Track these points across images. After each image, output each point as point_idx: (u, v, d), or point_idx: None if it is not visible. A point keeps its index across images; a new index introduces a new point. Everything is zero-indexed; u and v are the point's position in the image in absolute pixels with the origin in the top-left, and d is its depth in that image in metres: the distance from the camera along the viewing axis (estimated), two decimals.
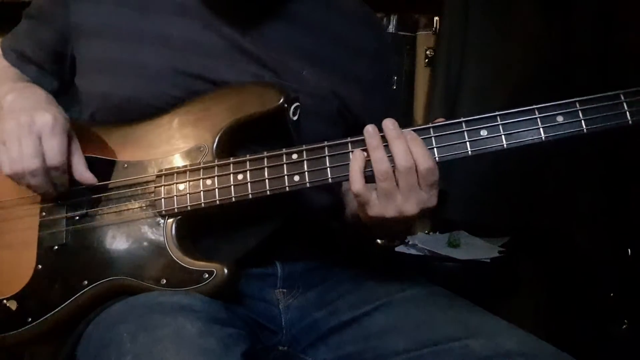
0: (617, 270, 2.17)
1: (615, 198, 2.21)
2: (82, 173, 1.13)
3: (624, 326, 2.10)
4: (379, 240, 1.76)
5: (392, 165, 1.00)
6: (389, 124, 1.02)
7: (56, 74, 1.31)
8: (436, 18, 2.48)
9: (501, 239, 2.33)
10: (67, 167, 1.12)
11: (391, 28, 2.47)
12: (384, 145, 1.01)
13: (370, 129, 1.02)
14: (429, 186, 1.00)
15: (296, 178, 1.06)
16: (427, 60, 2.51)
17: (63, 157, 1.10)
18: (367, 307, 1.15)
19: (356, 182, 1.01)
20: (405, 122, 1.05)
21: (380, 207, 1.01)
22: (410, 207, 1.00)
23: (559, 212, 2.27)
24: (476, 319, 1.08)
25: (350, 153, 1.04)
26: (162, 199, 1.11)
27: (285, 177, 1.06)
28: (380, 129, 1.03)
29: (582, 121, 1.00)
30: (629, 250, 2.16)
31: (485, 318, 1.09)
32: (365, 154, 1.02)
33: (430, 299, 1.14)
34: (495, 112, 1.02)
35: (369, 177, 1.01)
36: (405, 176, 0.99)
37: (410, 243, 2.28)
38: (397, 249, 2.24)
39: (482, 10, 2.40)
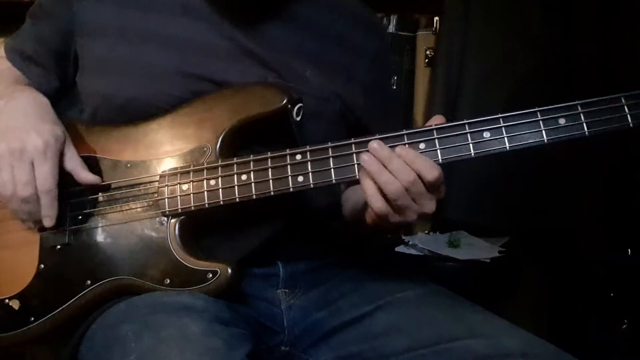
0: (617, 270, 2.17)
1: (616, 198, 2.21)
2: (84, 176, 1.13)
3: (624, 326, 2.10)
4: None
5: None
6: (374, 146, 1.02)
7: (58, 74, 1.30)
8: (436, 18, 2.48)
9: (501, 239, 2.33)
10: (66, 174, 1.13)
11: (391, 28, 2.47)
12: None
13: (365, 157, 1.01)
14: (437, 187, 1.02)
15: (300, 179, 1.06)
16: (427, 60, 2.51)
17: (54, 182, 1.10)
18: (369, 307, 1.15)
19: (377, 202, 1.01)
20: (405, 122, 1.06)
21: (402, 216, 1.02)
22: (429, 207, 1.02)
23: (559, 212, 2.28)
24: (478, 319, 1.09)
25: (355, 154, 1.05)
26: (166, 199, 1.11)
27: (289, 177, 1.07)
28: (382, 131, 1.04)
29: (584, 124, 1.01)
30: (629, 250, 2.16)
31: (487, 318, 1.10)
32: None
33: (431, 299, 1.15)
34: (497, 115, 1.03)
35: None
36: (413, 188, 1.00)
37: (410, 243, 2.29)
38: (397, 249, 2.25)
39: (482, 10, 2.40)
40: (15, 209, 1.11)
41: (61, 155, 1.12)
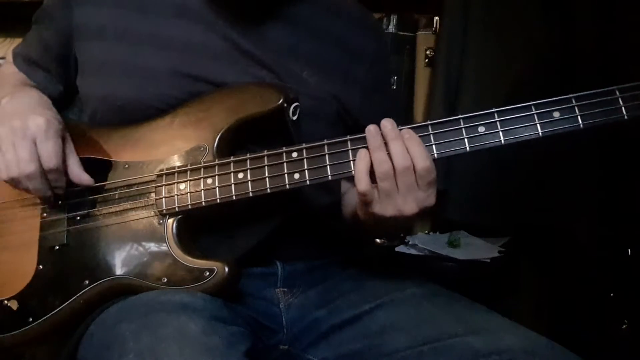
0: (617, 270, 2.17)
1: (616, 197, 2.21)
2: (79, 175, 1.14)
3: (624, 326, 2.10)
4: (377, 240, 1.76)
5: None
6: (387, 124, 1.04)
7: (61, 78, 1.31)
8: (436, 18, 2.48)
9: (501, 239, 2.33)
10: (64, 169, 1.13)
11: (391, 28, 2.47)
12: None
13: (372, 129, 1.04)
14: (426, 185, 1.02)
15: (296, 176, 1.07)
16: (427, 60, 2.50)
17: (59, 159, 1.11)
18: (368, 306, 1.15)
19: (362, 181, 1.02)
20: (405, 122, 1.06)
21: (380, 206, 1.03)
22: (409, 207, 1.02)
23: (559, 212, 2.27)
24: (477, 316, 1.09)
25: (350, 151, 1.05)
26: (163, 199, 1.11)
27: (286, 175, 1.07)
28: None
29: (579, 117, 1.01)
30: (629, 250, 2.15)
31: (487, 315, 1.10)
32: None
33: (430, 297, 1.15)
34: (492, 109, 1.03)
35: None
36: (403, 176, 1.01)
37: (410, 243, 2.28)
38: (397, 249, 2.24)
39: (482, 10, 2.40)
40: (24, 188, 1.12)
41: (63, 143, 1.13)
